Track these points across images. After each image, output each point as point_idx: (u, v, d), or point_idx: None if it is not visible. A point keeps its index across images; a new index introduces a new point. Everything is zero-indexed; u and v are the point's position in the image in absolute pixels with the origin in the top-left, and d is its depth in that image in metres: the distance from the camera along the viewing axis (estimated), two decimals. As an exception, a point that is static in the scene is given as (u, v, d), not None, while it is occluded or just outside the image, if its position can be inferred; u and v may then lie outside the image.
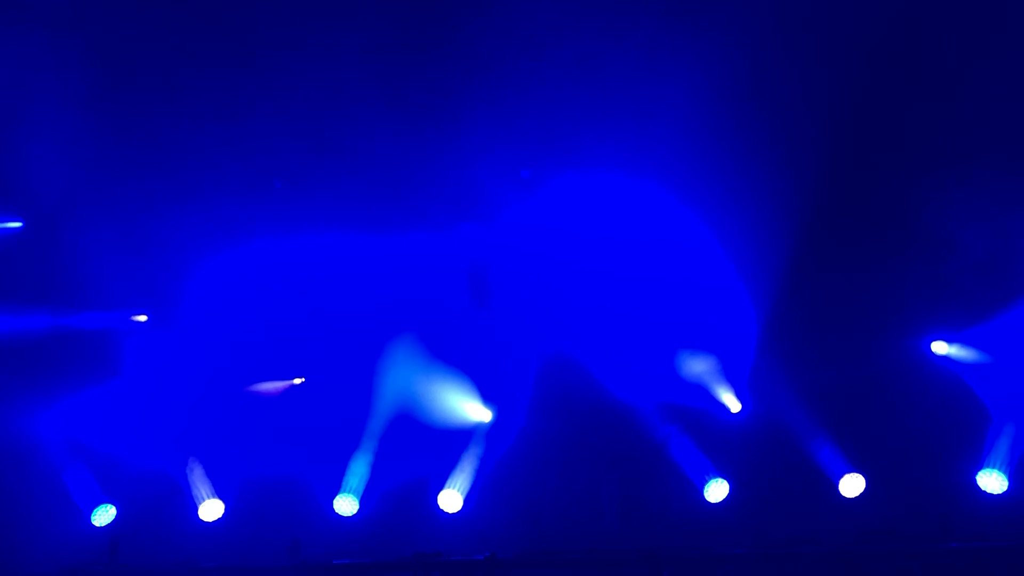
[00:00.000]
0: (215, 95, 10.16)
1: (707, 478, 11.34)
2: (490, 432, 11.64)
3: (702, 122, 10.11)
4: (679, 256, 11.33)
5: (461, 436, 11.64)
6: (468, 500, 11.41)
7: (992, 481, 10.73)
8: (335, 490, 11.38)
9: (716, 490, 11.32)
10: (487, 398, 11.68)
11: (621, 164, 10.79)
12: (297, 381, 11.87)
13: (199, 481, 11.45)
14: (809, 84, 10.08)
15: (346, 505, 11.40)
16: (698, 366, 11.55)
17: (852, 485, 11.11)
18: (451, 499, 11.44)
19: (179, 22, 9.62)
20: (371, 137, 10.42)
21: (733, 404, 11.49)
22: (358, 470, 11.44)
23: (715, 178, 10.98)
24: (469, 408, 11.66)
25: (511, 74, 9.92)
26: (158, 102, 10.20)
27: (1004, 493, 10.69)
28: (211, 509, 11.46)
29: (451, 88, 10.10)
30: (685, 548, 10.57)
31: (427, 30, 9.80)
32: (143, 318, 11.78)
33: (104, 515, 11.42)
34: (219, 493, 11.47)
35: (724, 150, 10.59)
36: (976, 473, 10.80)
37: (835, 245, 11.20)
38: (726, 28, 9.64)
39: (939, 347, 11.31)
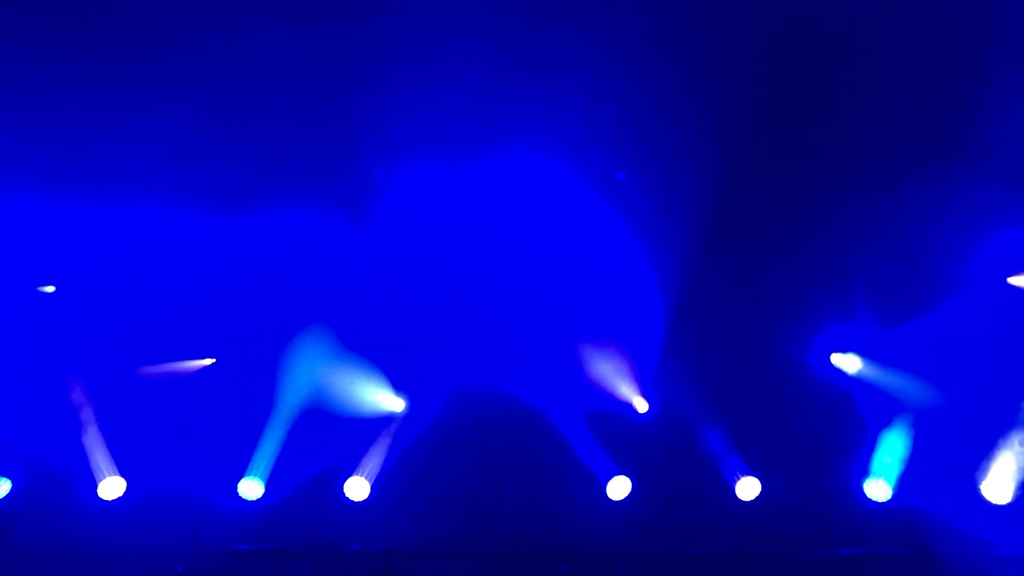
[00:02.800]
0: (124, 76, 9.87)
1: (610, 475, 11.58)
2: (399, 422, 11.67)
3: (606, 123, 10.21)
4: (590, 259, 11.46)
5: (370, 425, 11.64)
6: (375, 489, 11.43)
7: (878, 489, 11.21)
8: (240, 474, 11.27)
9: (618, 487, 11.59)
10: (398, 388, 11.70)
11: (526, 165, 10.82)
12: (207, 362, 11.71)
13: (101, 459, 11.25)
14: (713, 83, 10.11)
15: (252, 488, 11.34)
16: (606, 365, 11.76)
17: (748, 488, 11.49)
18: (358, 487, 11.48)
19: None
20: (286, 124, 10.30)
21: (640, 404, 11.73)
22: (266, 454, 11.37)
23: (622, 181, 11.16)
24: (379, 397, 11.67)
25: (409, 55, 9.84)
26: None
27: (888, 501, 11.19)
28: (112, 487, 11.27)
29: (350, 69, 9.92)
30: (583, 545, 10.84)
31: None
32: (50, 289, 11.49)
33: (-2, 489, 11.14)
34: (122, 472, 11.27)
35: (628, 151, 10.77)
36: (863, 481, 11.26)
37: (742, 254, 11.47)
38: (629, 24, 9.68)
39: (838, 358, 11.72)
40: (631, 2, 9.66)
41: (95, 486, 11.22)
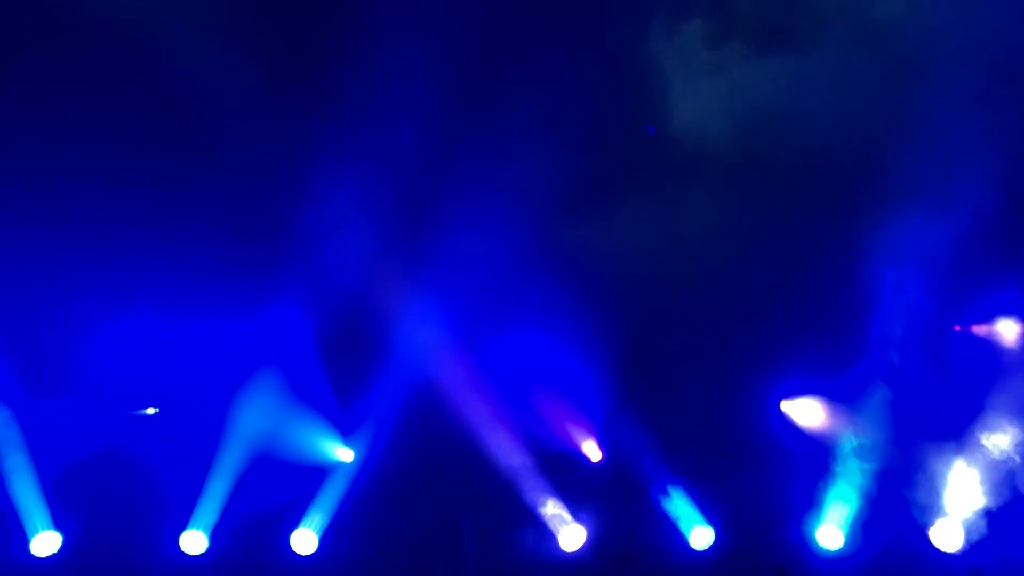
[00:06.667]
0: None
1: (564, 524, 11.46)
2: (347, 471, 11.44)
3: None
4: (543, 312, 11.48)
5: (318, 475, 11.39)
6: (324, 540, 11.16)
7: (830, 536, 11.26)
8: (183, 526, 10.92)
9: (572, 536, 11.46)
10: (346, 437, 11.48)
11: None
12: (150, 411, 11.36)
13: (35, 512, 10.76)
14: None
15: (195, 541, 10.95)
16: (558, 416, 11.71)
17: (702, 537, 11.47)
18: (305, 539, 11.18)
19: None
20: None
21: (593, 453, 11.67)
22: (210, 506, 11.01)
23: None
24: (327, 447, 11.44)
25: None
26: None
27: (841, 548, 11.24)
28: (47, 543, 10.77)
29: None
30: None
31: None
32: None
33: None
34: (58, 525, 10.79)
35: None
36: (815, 529, 11.31)
37: (690, 311, 11.60)
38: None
39: (787, 406, 11.83)
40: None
41: (27, 541, 10.72)
